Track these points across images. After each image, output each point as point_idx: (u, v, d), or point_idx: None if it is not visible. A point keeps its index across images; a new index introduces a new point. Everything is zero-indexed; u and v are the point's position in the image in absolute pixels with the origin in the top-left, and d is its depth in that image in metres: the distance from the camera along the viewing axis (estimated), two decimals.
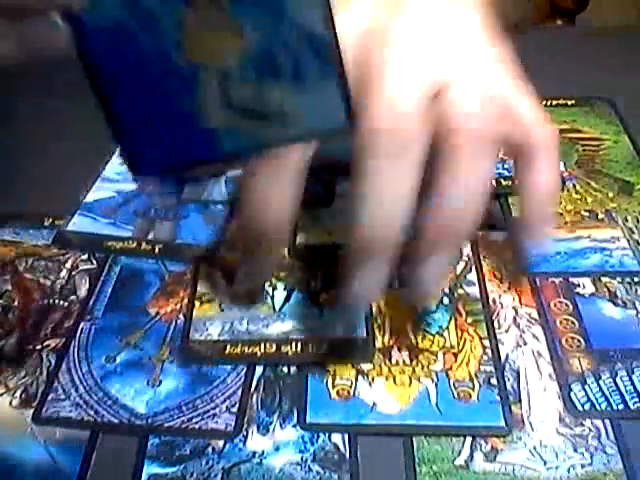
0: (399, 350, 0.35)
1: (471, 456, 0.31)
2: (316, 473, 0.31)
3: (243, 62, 0.24)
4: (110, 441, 0.32)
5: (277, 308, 0.37)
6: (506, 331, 0.36)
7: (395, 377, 0.34)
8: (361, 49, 0.29)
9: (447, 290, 0.38)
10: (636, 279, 0.38)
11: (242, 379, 0.34)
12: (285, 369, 0.35)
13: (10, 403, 0.34)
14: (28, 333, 0.37)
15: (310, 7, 0.24)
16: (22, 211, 0.45)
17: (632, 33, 0.60)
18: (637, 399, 0.32)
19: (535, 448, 0.31)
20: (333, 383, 0.34)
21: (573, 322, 0.36)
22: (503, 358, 0.34)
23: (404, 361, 0.34)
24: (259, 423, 0.32)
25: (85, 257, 0.42)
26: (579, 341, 0.35)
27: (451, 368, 0.34)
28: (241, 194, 0.31)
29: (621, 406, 0.32)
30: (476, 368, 0.34)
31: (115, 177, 0.47)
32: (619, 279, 0.38)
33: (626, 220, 0.42)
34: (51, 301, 0.39)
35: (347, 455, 0.31)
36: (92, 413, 0.33)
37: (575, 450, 0.31)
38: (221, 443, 0.32)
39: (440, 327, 0.36)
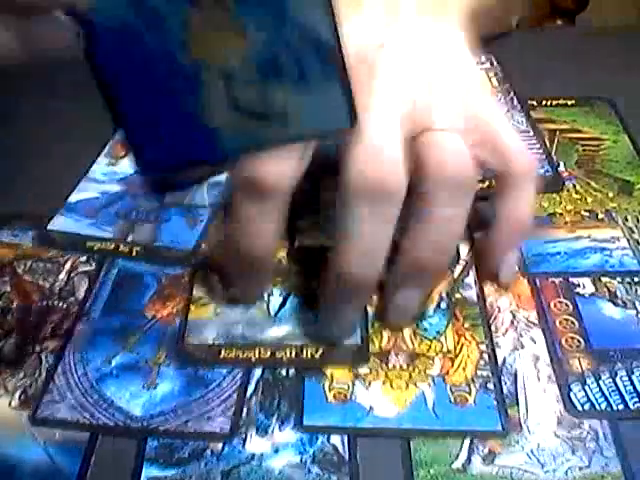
0: (396, 354, 0.35)
1: (469, 459, 0.31)
2: (315, 475, 0.30)
3: (247, 62, 0.24)
4: (109, 443, 0.32)
5: (273, 313, 0.37)
6: (503, 335, 0.35)
7: (392, 381, 0.34)
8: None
9: (444, 294, 0.38)
10: (636, 279, 0.38)
11: (238, 382, 0.34)
12: (284, 372, 0.35)
13: (9, 404, 0.34)
14: (27, 335, 0.37)
15: (313, 8, 0.24)
16: (22, 212, 0.45)
17: (632, 33, 0.60)
18: (637, 399, 0.32)
19: (533, 451, 0.31)
20: (330, 386, 0.34)
21: (573, 322, 0.36)
22: (500, 362, 0.34)
23: (401, 365, 0.34)
24: (258, 425, 0.32)
25: (84, 259, 0.41)
26: (579, 341, 0.35)
27: (448, 372, 0.34)
28: (227, 223, 0.31)
29: (621, 406, 0.32)
30: (473, 372, 0.34)
31: (101, 178, 0.47)
32: (619, 279, 0.38)
33: (626, 220, 0.42)
34: (50, 303, 0.39)
35: (346, 457, 0.31)
36: (88, 415, 0.33)
37: (573, 453, 0.30)
38: (220, 445, 0.32)
39: (437, 332, 0.36)
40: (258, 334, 0.36)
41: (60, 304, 0.39)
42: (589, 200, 0.43)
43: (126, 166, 0.48)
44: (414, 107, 0.30)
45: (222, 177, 0.41)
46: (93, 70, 0.24)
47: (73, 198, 0.46)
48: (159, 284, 0.39)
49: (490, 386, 0.33)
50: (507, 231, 0.33)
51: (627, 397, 0.32)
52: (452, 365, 0.34)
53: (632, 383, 0.33)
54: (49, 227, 0.44)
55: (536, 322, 0.36)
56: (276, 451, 0.31)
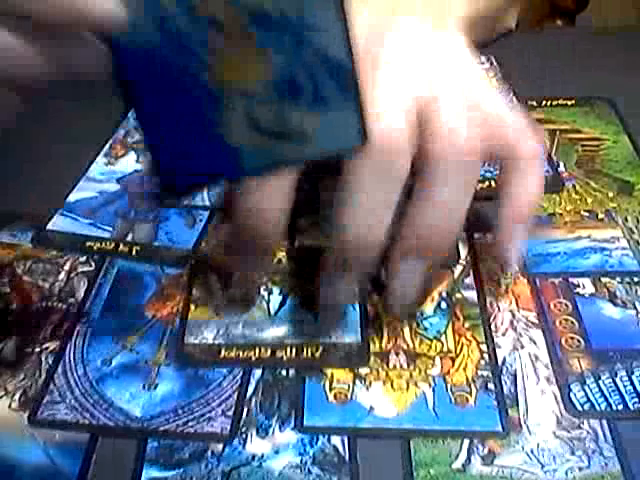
0: (396, 354, 0.35)
1: (468, 459, 0.31)
2: (316, 476, 0.30)
3: (266, 84, 0.25)
4: (109, 444, 0.32)
5: (272, 312, 0.37)
6: (503, 335, 0.35)
7: (392, 381, 0.34)
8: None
9: (445, 294, 0.38)
10: (636, 279, 0.38)
11: (238, 382, 0.34)
12: (284, 372, 0.35)
13: (9, 405, 0.34)
14: (27, 335, 0.37)
15: (329, 32, 0.25)
16: (22, 212, 0.45)
17: (632, 33, 0.60)
18: (637, 399, 0.32)
19: (532, 451, 0.31)
20: (330, 386, 0.34)
21: (573, 322, 0.36)
22: (500, 362, 0.34)
23: (401, 365, 0.34)
24: (258, 426, 0.32)
25: (84, 259, 0.42)
26: (579, 341, 0.35)
27: (448, 373, 0.34)
28: (235, 201, 0.31)
29: (620, 406, 0.32)
30: (473, 373, 0.34)
31: (99, 177, 0.48)
32: (619, 279, 0.38)
33: (626, 220, 0.42)
34: (50, 303, 0.39)
35: (346, 458, 0.31)
36: (88, 416, 0.33)
37: (573, 453, 0.30)
38: (220, 446, 0.32)
39: (438, 332, 0.36)
40: (258, 333, 0.36)
41: (60, 304, 0.39)
42: (589, 200, 0.43)
43: (125, 165, 0.48)
44: (417, 97, 0.30)
45: None
46: (120, 87, 0.24)
47: (72, 197, 0.46)
48: (158, 284, 0.40)
49: (490, 386, 0.33)
50: (515, 215, 0.33)
51: (627, 397, 0.32)
52: (452, 365, 0.34)
53: (632, 383, 0.33)
54: (49, 227, 0.44)
55: (536, 322, 0.36)
56: (276, 452, 0.31)
